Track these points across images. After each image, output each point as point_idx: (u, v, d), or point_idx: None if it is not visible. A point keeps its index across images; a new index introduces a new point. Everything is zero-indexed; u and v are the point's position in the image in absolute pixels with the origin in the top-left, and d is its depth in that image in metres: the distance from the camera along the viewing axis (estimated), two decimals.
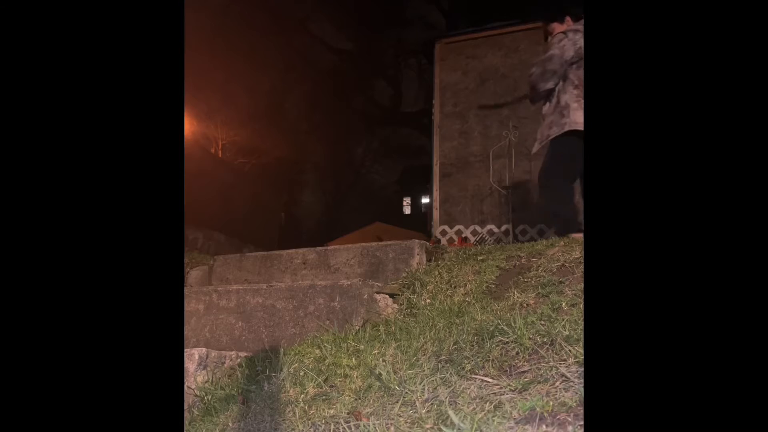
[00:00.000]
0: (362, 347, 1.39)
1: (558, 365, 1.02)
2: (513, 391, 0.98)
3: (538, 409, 0.86)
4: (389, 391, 1.10)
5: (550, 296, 1.51)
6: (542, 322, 1.24)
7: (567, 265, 1.77)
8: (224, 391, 1.37)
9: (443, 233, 6.09)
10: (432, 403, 1.00)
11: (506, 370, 1.08)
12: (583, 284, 1.52)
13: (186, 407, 1.40)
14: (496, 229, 5.84)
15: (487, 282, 1.87)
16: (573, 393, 0.90)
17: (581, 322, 1.16)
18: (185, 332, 2.04)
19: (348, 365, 1.29)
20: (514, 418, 0.86)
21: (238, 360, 1.56)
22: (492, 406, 0.92)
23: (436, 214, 6.25)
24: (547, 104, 2.59)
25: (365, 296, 1.79)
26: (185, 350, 1.49)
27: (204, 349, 1.51)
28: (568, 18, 2.57)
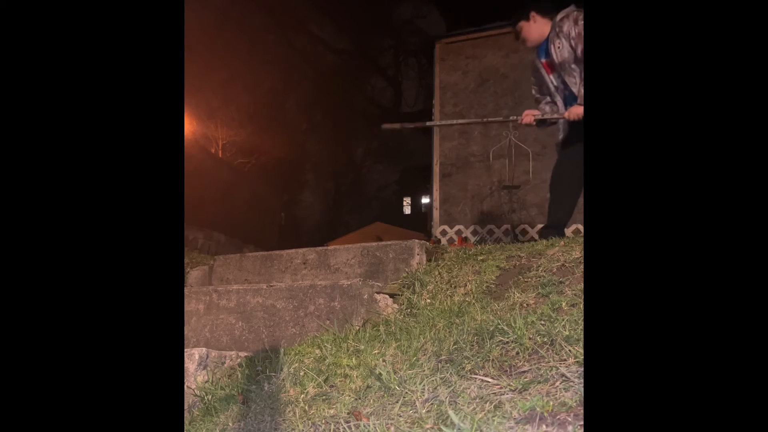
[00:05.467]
0: (362, 347, 1.39)
1: (558, 365, 1.02)
2: (513, 391, 0.98)
3: (538, 409, 0.86)
4: (389, 391, 1.10)
5: (550, 296, 1.51)
6: (542, 322, 1.24)
7: (567, 265, 1.77)
8: (224, 391, 1.37)
9: (443, 233, 6.09)
10: (432, 403, 1.00)
11: (506, 370, 1.08)
12: (583, 284, 1.52)
13: (186, 407, 1.40)
14: (496, 229, 5.84)
15: (487, 282, 1.87)
16: (573, 393, 0.90)
17: (581, 322, 1.16)
18: (185, 332, 2.04)
19: (348, 365, 1.29)
20: (514, 418, 0.86)
21: (239, 360, 1.56)
22: (492, 406, 0.92)
23: (436, 214, 6.25)
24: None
25: (365, 296, 1.79)
26: (185, 350, 1.49)
27: (204, 349, 1.51)
28: (533, 14, 2.59)
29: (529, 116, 2.70)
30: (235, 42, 16.81)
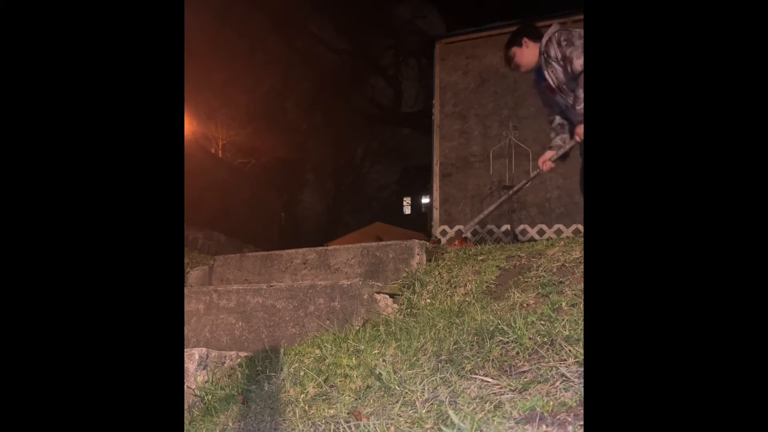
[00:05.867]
0: (362, 347, 1.39)
1: (558, 365, 1.02)
2: (513, 391, 0.98)
3: (538, 409, 0.86)
4: (389, 391, 1.10)
5: (550, 296, 1.51)
6: (542, 322, 1.24)
7: (567, 265, 1.77)
8: (224, 391, 1.37)
9: (443, 233, 6.09)
10: (432, 403, 1.00)
11: (506, 370, 1.08)
12: (583, 284, 1.52)
13: (186, 407, 1.40)
14: (496, 229, 5.84)
15: (487, 282, 1.87)
16: (573, 393, 0.90)
17: (581, 322, 1.16)
18: (185, 332, 2.04)
19: (348, 365, 1.29)
20: (514, 418, 0.86)
21: (239, 360, 1.56)
22: (492, 406, 0.92)
23: (436, 214, 6.25)
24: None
25: (365, 296, 1.79)
26: (185, 350, 1.49)
27: (204, 349, 1.51)
28: (526, 40, 2.61)
29: (547, 163, 2.73)
30: (235, 42, 16.83)
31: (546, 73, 2.55)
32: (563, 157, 2.71)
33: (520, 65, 2.67)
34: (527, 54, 2.62)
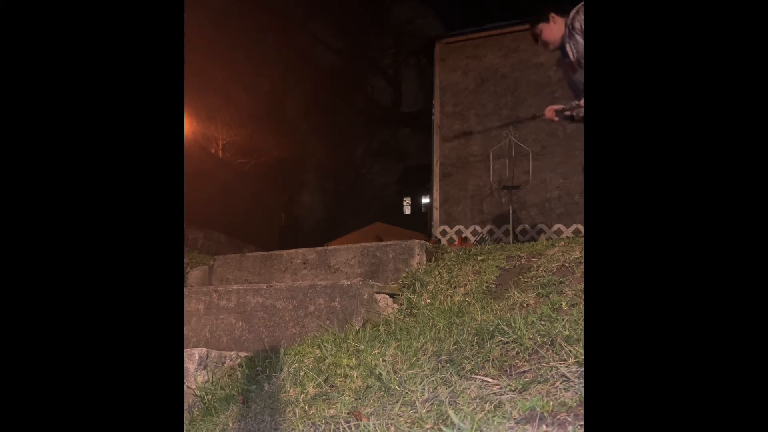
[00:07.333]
0: (362, 347, 1.39)
1: (558, 365, 1.02)
2: (513, 391, 0.98)
3: (538, 409, 0.86)
4: (389, 391, 1.10)
5: (550, 296, 1.51)
6: (542, 322, 1.24)
7: (567, 265, 1.77)
8: (224, 391, 1.37)
9: (443, 233, 6.09)
10: (432, 403, 1.00)
11: (506, 370, 1.08)
12: (583, 284, 1.52)
13: (186, 407, 1.40)
14: (496, 229, 5.84)
15: (487, 282, 1.87)
16: (573, 393, 0.90)
17: (581, 322, 1.16)
18: (185, 332, 2.04)
19: (348, 365, 1.29)
20: (514, 418, 0.86)
21: (239, 360, 1.56)
22: (492, 406, 0.92)
23: (436, 214, 6.26)
24: None
25: (365, 296, 1.79)
26: (185, 350, 1.49)
27: (204, 349, 1.51)
28: (553, 15, 2.55)
29: (550, 110, 2.66)
30: (235, 42, 16.85)
31: (567, 46, 2.45)
32: (570, 118, 2.63)
33: (548, 42, 2.56)
34: (555, 30, 2.52)
